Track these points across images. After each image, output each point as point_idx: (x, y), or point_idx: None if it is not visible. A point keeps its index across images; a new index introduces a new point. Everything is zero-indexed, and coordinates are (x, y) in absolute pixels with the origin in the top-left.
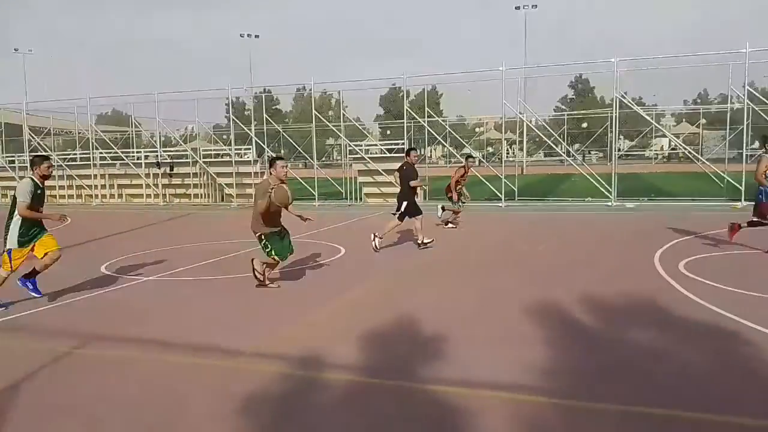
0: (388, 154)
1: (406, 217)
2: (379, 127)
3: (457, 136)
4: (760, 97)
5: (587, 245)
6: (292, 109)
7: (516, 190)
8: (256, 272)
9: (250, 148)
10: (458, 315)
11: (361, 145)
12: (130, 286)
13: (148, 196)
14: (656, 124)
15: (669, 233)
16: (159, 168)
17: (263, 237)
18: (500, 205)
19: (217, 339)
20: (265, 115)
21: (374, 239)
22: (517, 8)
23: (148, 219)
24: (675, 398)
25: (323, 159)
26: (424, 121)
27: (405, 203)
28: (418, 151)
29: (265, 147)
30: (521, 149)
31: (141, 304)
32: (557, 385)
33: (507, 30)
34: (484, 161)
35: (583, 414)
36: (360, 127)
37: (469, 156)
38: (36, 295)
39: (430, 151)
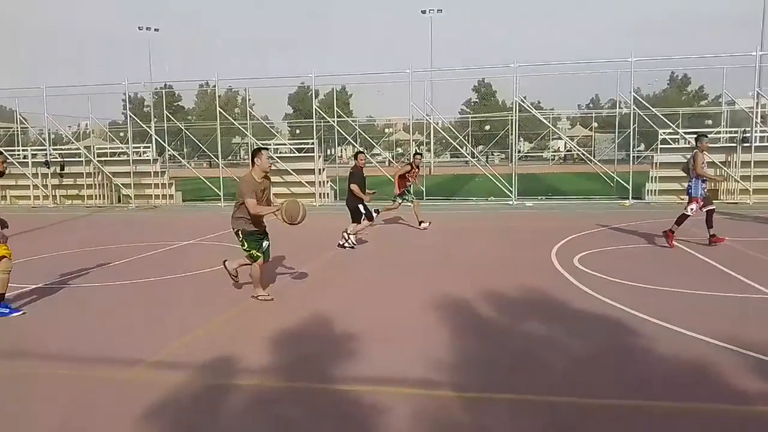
0: (298, 154)
1: (363, 215)
2: (289, 126)
3: (366, 137)
4: (645, 103)
5: (488, 242)
6: (195, 106)
7: (424, 190)
8: (230, 275)
9: (149, 147)
10: (365, 314)
11: (270, 144)
12: (16, 295)
13: (36, 197)
14: (553, 128)
15: (564, 230)
16: (48, 167)
17: (241, 234)
18: (410, 205)
19: (114, 348)
20: (165, 112)
21: (348, 239)
22: (423, 12)
23: (36, 222)
24: (570, 386)
25: (229, 158)
26: (334, 121)
27: (360, 206)
28: (366, 154)
29: (165, 145)
30: (429, 150)
31: (29, 314)
32: (461, 378)
33: (415, 33)
34: (394, 162)
35: (486, 405)
36: (268, 126)
37: (417, 153)
38: (17, 314)
39: (341, 151)
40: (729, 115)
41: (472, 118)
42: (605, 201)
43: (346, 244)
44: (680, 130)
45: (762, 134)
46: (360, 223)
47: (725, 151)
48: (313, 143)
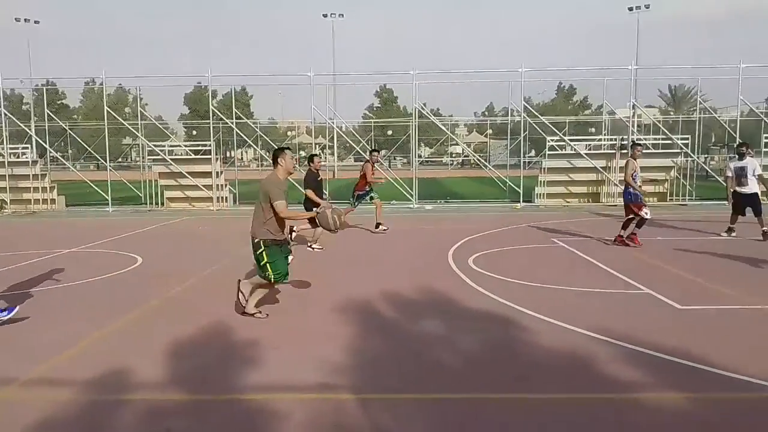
0: (194, 156)
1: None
2: (184, 127)
3: (268, 140)
4: (534, 111)
5: (389, 245)
6: (81, 104)
7: (327, 193)
8: (240, 295)
9: (28, 147)
10: (264, 320)
11: (164, 146)
12: None
13: None
14: (450, 134)
15: (461, 232)
16: None
17: (262, 244)
18: (315, 209)
19: None
20: (47, 111)
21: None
22: (325, 16)
23: None
24: (462, 382)
25: (119, 160)
26: (232, 123)
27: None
28: (321, 157)
29: (47, 146)
30: (332, 154)
31: None
32: (357, 380)
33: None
34: (298, 166)
35: (382, 405)
36: (162, 127)
37: (374, 150)
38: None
39: (241, 154)
40: (610, 124)
41: (374, 123)
42: (499, 204)
43: (314, 247)
44: (566, 138)
45: (638, 141)
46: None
47: (605, 156)
48: (210, 145)
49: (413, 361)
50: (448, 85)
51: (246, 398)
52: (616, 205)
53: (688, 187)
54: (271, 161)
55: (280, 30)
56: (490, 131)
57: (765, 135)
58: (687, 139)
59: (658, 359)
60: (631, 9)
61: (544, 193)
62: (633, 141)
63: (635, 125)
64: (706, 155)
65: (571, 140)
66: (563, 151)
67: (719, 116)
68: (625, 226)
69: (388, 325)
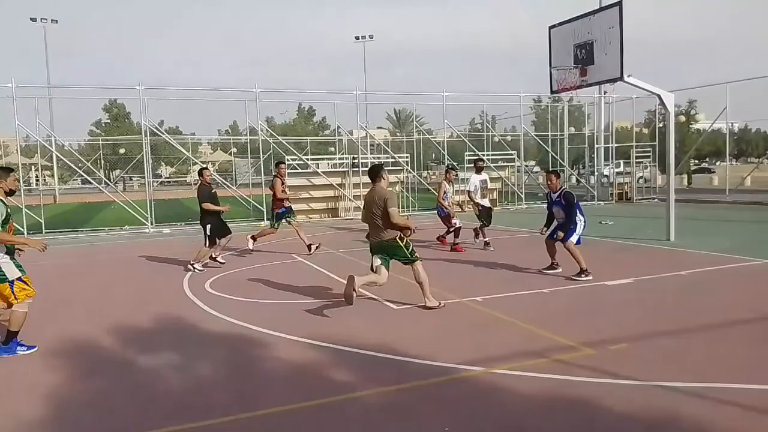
0: None
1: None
2: None
3: None
4: (272, 131)
5: (120, 275)
6: None
7: (43, 222)
8: (354, 288)
9: None
10: None
11: None
12: None
13: None
14: (187, 153)
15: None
16: None
17: (400, 240)
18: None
19: None
20: None
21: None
22: (34, 20)
23: None
24: (188, 410)
25: None
26: None
27: (208, 226)
28: (209, 169)
29: None
30: (52, 176)
31: None
32: (87, 418)
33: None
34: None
35: None
36: None
37: (280, 162)
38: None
39: None
40: (347, 144)
41: (103, 140)
42: (243, 223)
43: (196, 267)
44: (307, 157)
45: (367, 160)
46: (211, 246)
47: (340, 174)
48: None
49: (138, 396)
50: (189, 102)
51: None
52: (352, 219)
53: (410, 199)
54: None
55: None
56: (234, 150)
57: (467, 153)
58: (407, 157)
59: (374, 358)
60: (357, 38)
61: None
62: (448, 165)
63: (368, 145)
64: (427, 171)
65: (312, 159)
66: (304, 170)
67: (433, 137)
68: (457, 235)
69: (112, 361)
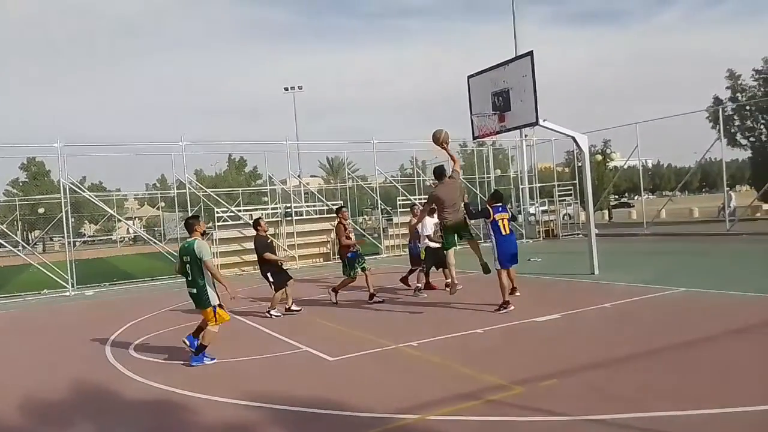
0: None
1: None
2: None
3: None
4: (200, 184)
5: (36, 344)
6: None
7: None
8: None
9: None
10: None
11: None
12: None
13: None
14: (110, 210)
15: (125, 316)
16: None
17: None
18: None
19: None
20: None
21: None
22: None
23: None
24: None
25: None
26: None
27: (269, 274)
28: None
29: None
30: None
31: None
32: None
33: None
34: None
35: None
36: None
37: (341, 207)
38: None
39: None
40: (280, 193)
41: (20, 200)
42: (171, 281)
43: (272, 313)
44: (240, 208)
45: (301, 209)
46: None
47: (274, 224)
48: None
49: None
50: (113, 157)
51: None
52: (287, 269)
53: None
54: None
55: None
56: (162, 204)
57: (399, 198)
58: (342, 204)
59: (308, 414)
60: (286, 89)
61: (218, 264)
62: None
63: (302, 193)
64: (362, 216)
65: (245, 210)
66: (235, 222)
67: (367, 183)
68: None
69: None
